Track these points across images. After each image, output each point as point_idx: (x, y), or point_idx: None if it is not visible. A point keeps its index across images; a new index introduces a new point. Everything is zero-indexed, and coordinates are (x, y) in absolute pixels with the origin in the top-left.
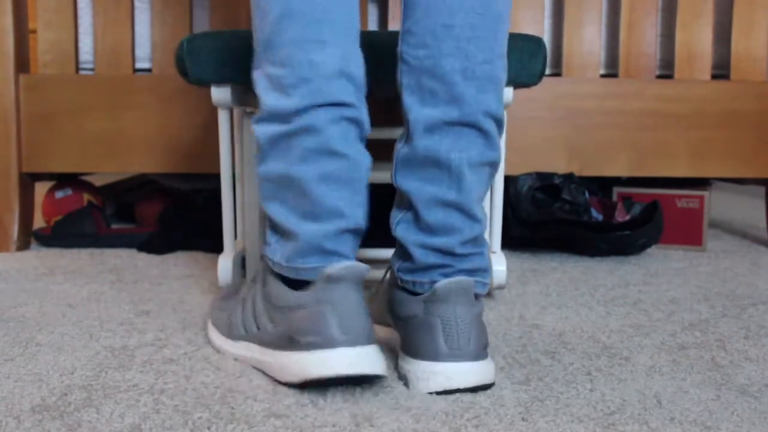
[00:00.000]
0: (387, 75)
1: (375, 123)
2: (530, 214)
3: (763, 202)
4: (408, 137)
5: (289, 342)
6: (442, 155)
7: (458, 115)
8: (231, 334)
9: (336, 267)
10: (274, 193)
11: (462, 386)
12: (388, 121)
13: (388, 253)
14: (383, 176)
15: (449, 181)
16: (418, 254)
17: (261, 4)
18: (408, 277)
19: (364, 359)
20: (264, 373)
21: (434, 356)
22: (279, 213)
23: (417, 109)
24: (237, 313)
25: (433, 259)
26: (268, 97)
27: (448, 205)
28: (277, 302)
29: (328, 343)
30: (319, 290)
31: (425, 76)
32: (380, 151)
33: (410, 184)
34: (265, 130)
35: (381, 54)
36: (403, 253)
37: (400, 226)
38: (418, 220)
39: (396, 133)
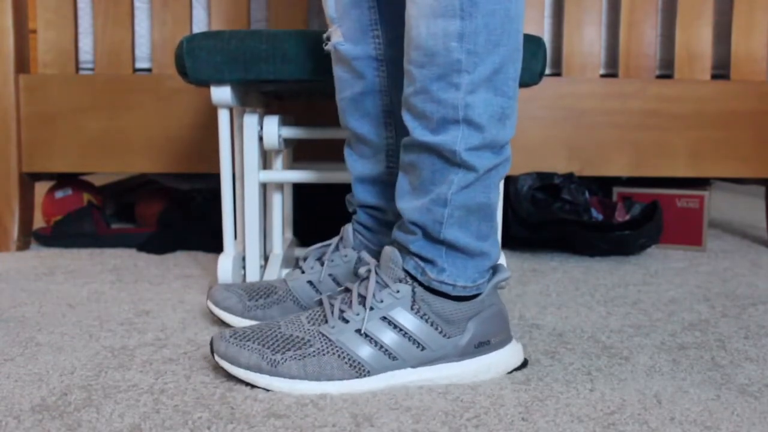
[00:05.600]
0: None
1: None
2: (530, 214)
3: (763, 202)
4: None
5: (478, 346)
6: None
7: None
8: (362, 372)
9: (502, 275)
10: (463, 219)
11: None
12: None
13: None
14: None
15: None
16: None
17: (508, 28)
18: None
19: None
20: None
21: None
22: (463, 237)
23: None
24: (351, 352)
25: None
26: (490, 126)
27: None
28: (451, 317)
29: (510, 337)
30: (488, 295)
31: None
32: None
33: None
34: (483, 161)
35: None
36: None
37: None
38: None
39: None
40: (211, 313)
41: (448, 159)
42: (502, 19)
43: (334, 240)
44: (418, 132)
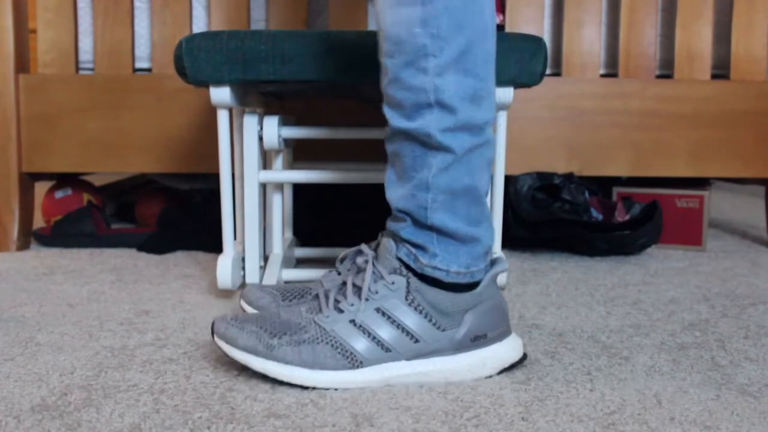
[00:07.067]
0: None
1: (367, 123)
2: (530, 214)
3: (763, 202)
4: None
5: (474, 340)
6: None
7: None
8: (355, 363)
9: (500, 267)
10: (449, 203)
11: None
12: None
13: None
14: (374, 176)
15: None
16: None
17: (471, 8)
18: None
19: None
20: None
21: None
22: (451, 222)
23: None
24: (345, 342)
25: None
26: (463, 107)
27: None
28: (447, 309)
29: (509, 331)
30: (486, 288)
31: None
32: (369, 151)
33: None
34: (461, 142)
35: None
36: None
37: None
38: None
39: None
40: (244, 312)
41: (425, 143)
42: (464, 1)
43: (373, 243)
44: (395, 120)
